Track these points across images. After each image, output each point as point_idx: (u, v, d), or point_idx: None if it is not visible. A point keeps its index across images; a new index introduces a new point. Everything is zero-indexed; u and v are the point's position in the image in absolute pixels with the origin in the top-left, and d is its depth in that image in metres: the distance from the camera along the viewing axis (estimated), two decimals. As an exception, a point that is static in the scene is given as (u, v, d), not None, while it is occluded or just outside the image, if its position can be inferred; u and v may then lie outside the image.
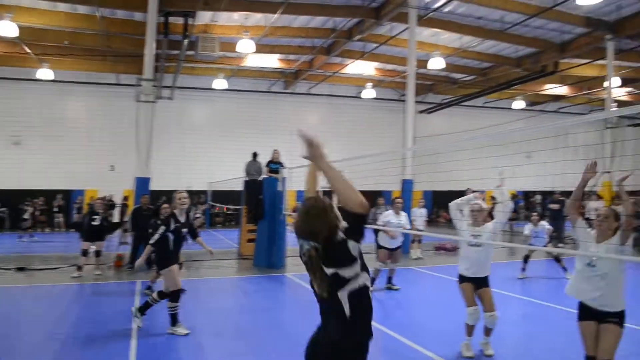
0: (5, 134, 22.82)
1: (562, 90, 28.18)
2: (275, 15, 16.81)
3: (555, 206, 16.02)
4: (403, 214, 9.69)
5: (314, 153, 2.72)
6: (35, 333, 6.68)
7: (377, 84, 26.92)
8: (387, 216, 9.58)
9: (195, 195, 21.41)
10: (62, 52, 20.22)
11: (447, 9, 17.24)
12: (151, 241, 6.65)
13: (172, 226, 6.66)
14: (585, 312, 4.34)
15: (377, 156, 10.50)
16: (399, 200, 9.76)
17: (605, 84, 20.35)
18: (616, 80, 21.51)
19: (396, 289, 9.67)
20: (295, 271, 11.71)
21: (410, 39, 16.44)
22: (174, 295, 6.61)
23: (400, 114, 23.13)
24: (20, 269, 11.35)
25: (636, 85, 26.84)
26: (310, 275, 2.80)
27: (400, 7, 16.13)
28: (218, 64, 22.77)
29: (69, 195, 23.44)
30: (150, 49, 13.88)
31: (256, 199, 12.92)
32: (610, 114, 16.72)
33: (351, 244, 2.71)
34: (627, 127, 32.31)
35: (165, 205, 8.92)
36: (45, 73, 21.84)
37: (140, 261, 6.83)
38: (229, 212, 22.52)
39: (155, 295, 6.77)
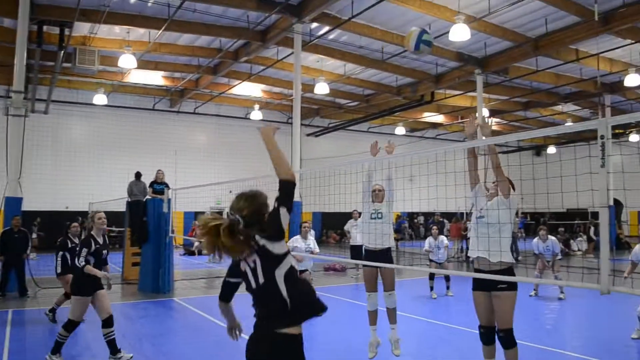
0: None
1: (439, 118, 30.37)
2: (159, 32, 16.46)
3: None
4: (310, 237, 9.92)
5: (267, 131, 3.09)
6: None
7: (265, 105, 27.16)
8: (295, 241, 9.71)
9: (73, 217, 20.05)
10: None
11: (331, 37, 17.91)
12: (80, 263, 6.17)
13: (93, 248, 6.29)
14: (478, 283, 4.73)
15: (264, 179, 10.64)
16: (306, 224, 9.98)
17: (476, 114, 22.15)
18: (485, 111, 23.58)
19: None
20: (184, 295, 11.39)
21: (295, 64, 16.87)
22: (107, 322, 6.27)
23: (288, 137, 23.45)
24: None
25: (503, 116, 29.64)
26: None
27: (286, 32, 16.50)
28: (98, 79, 21.75)
29: None
30: (20, 59, 12.88)
31: (140, 221, 12.43)
32: (481, 142, 18.26)
33: (282, 211, 2.77)
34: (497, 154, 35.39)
35: (75, 224, 8.61)
36: None
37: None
38: (111, 234, 21.32)
39: (62, 331, 6.20)
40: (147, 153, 24.92)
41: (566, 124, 27.90)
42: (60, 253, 8.55)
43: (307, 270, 9.95)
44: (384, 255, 6.16)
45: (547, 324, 8.74)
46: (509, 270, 4.65)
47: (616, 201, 24.03)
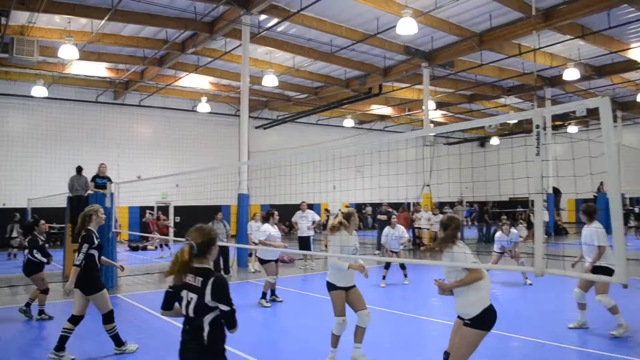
0: None
1: (387, 110, 30.76)
2: (102, 22, 15.91)
3: (383, 217, 17.34)
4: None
5: None
6: None
7: (212, 98, 26.79)
8: (268, 229, 9.63)
9: (11, 213, 19.16)
10: None
11: (279, 29, 17.80)
12: (76, 262, 6.03)
13: (96, 242, 6.22)
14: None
15: (213, 170, 10.49)
16: (276, 212, 9.96)
17: (423, 106, 22.57)
18: (432, 104, 24.06)
19: (280, 301, 9.73)
20: (128, 291, 11.12)
21: (243, 56, 16.66)
22: (108, 317, 6.31)
23: (236, 129, 23.21)
24: None
25: (449, 109, 30.31)
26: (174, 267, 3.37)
27: (234, 24, 16.29)
28: (37, 70, 20.85)
29: None
30: (-49, 48, 12.21)
31: (82, 217, 12.03)
32: (428, 132, 18.69)
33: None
34: (443, 145, 36.25)
35: (43, 222, 8.68)
36: None
37: (69, 285, 6.08)
38: (52, 231, 20.60)
39: (67, 325, 6.19)
40: (89, 147, 24.16)
41: (504, 115, 28.80)
42: (29, 252, 8.47)
43: (277, 259, 9.81)
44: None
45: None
46: (475, 318, 4.38)
47: (555, 190, 25.06)
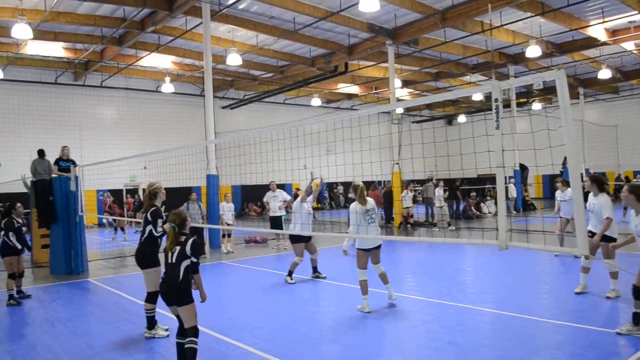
0: None
1: (354, 89, 30.81)
2: (55, -1, 15.38)
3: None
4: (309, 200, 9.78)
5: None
6: None
7: (176, 78, 26.38)
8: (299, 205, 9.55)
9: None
10: None
11: (241, 6, 17.55)
12: (158, 233, 6.27)
13: (164, 217, 6.21)
14: None
15: (180, 151, 10.42)
16: (300, 190, 9.88)
17: (390, 84, 22.66)
18: (398, 82, 24.16)
19: (323, 277, 9.66)
20: (99, 275, 11.04)
21: (205, 34, 16.37)
22: (152, 297, 6.26)
23: (202, 109, 22.96)
24: None
25: (415, 87, 30.55)
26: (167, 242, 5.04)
27: (193, 1, 16.01)
28: (-10, 50, 20.13)
29: None
30: None
31: (46, 201, 11.83)
32: (393, 107, 18.86)
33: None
34: (411, 123, 36.64)
35: (20, 205, 8.75)
36: None
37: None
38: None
39: (148, 306, 6.29)
40: (51, 129, 23.59)
41: (464, 90, 29.20)
42: (4, 233, 8.39)
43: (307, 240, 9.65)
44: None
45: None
46: None
47: (522, 166, 25.64)
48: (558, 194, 11.12)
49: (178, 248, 4.91)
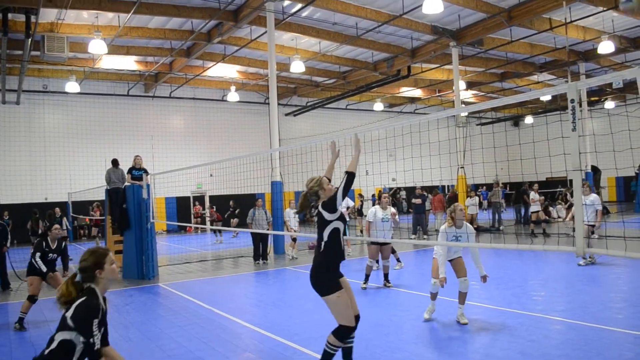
0: None
1: (417, 92, 30.43)
2: (128, 15, 16.13)
3: (417, 200, 17.22)
4: (390, 209, 9.59)
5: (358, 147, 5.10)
6: None
7: (241, 87, 26.96)
8: (374, 212, 9.41)
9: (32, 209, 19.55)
10: None
11: (304, 14, 17.73)
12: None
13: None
14: None
15: (245, 158, 10.58)
16: (385, 195, 9.72)
17: (454, 87, 22.21)
18: (462, 84, 23.65)
19: (390, 286, 9.40)
20: (169, 280, 11.37)
21: (269, 43, 16.59)
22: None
23: (266, 117, 23.38)
24: None
25: (480, 88, 29.80)
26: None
27: (258, 11, 16.31)
28: (69, 66, 21.35)
29: None
30: (-15, 49, 12.53)
31: (120, 208, 12.33)
32: (460, 111, 18.43)
33: (338, 194, 4.64)
34: (475, 125, 35.78)
35: (57, 227, 8.26)
36: None
37: None
38: (93, 223, 21.28)
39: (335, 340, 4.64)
40: (123, 139, 24.64)
41: (537, 91, 28.18)
42: (32, 253, 8.01)
43: (383, 243, 9.32)
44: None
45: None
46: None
47: (594, 168, 24.40)
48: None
49: (317, 218, 4.45)
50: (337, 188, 4.67)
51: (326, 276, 4.62)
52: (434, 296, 6.96)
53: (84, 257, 3.29)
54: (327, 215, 4.64)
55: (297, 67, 20.34)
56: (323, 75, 26.11)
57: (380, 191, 10.20)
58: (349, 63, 23.95)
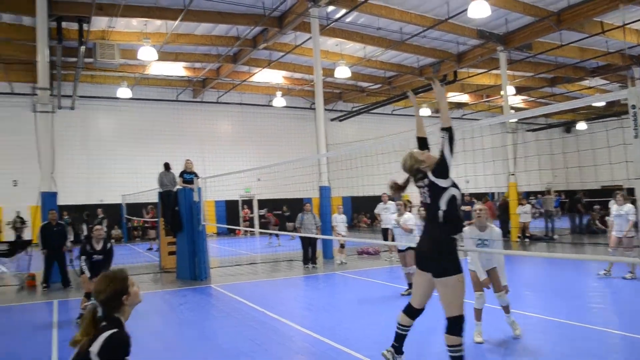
0: None
1: (464, 98, 30.02)
2: (176, 22, 16.63)
3: (467, 207, 16.97)
4: (405, 214, 9.59)
5: (439, 89, 4.51)
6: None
7: (287, 92, 27.27)
8: (409, 219, 9.40)
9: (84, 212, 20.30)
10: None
11: (348, 19, 17.86)
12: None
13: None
14: None
15: (293, 163, 10.74)
16: (400, 203, 9.79)
17: (502, 92, 21.82)
18: (511, 89, 23.20)
19: (407, 294, 9.08)
20: (220, 282, 11.62)
21: (314, 48, 16.65)
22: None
23: (312, 122, 23.55)
24: None
25: (529, 94, 29.17)
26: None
27: (302, 17, 16.49)
28: (120, 72, 22.15)
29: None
30: (42, 56, 13.11)
31: (172, 211, 12.69)
32: (511, 117, 18.08)
33: (447, 155, 4.19)
34: (525, 131, 35.02)
35: (99, 227, 8.49)
36: None
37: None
38: (146, 225, 21.95)
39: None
40: (174, 143, 25.27)
41: (593, 96, 27.41)
42: (82, 257, 8.21)
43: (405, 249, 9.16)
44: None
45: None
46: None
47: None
48: (614, 208, 10.40)
49: (427, 189, 4.24)
50: (441, 150, 4.22)
51: (452, 253, 4.18)
52: (478, 314, 6.26)
53: (101, 287, 2.71)
54: (442, 182, 4.23)
55: (342, 72, 20.47)
56: (368, 81, 26.16)
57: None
58: (394, 68, 23.92)
